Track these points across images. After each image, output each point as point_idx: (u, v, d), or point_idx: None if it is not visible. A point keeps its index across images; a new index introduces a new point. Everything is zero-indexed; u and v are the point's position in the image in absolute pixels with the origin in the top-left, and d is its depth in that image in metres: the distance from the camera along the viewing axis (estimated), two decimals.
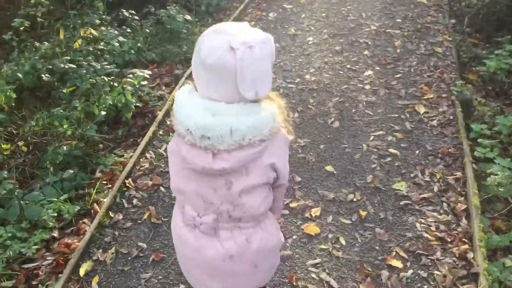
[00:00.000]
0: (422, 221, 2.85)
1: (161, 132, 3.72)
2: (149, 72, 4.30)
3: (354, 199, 3.04)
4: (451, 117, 3.81)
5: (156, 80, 4.75)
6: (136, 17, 5.57)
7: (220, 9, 6.92)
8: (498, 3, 5.94)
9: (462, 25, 6.07)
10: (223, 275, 1.56)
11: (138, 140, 3.78)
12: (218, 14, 6.84)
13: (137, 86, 4.01)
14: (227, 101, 1.35)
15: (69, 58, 4.21)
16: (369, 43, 5.11)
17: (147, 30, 5.53)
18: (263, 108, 1.38)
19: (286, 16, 5.85)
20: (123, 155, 3.55)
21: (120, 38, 4.91)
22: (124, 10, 5.49)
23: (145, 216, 2.92)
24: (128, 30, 5.50)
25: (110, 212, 2.94)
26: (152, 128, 3.65)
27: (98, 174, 3.42)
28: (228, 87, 1.33)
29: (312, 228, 2.79)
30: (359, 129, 3.76)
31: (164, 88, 4.56)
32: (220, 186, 1.43)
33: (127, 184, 3.14)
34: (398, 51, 4.95)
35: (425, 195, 3.04)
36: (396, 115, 3.89)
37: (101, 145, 3.75)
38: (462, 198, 2.99)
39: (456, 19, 6.15)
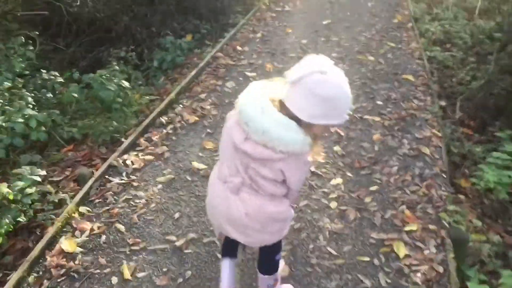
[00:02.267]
0: None
1: (31, 279, 2.61)
2: (43, 173, 3.21)
3: None
4: (441, 270, 2.80)
5: (65, 172, 3.66)
6: (60, 79, 4.51)
7: (175, 66, 5.94)
8: (496, 86, 5.06)
9: (454, 108, 5.18)
10: (238, 225, 1.91)
11: (8, 277, 2.67)
12: (172, 72, 5.86)
13: (20, 196, 2.92)
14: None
15: None
16: (342, 134, 4.13)
17: (75, 95, 4.47)
18: (300, 132, 1.64)
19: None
20: None
21: (29, 111, 3.83)
22: (44, 71, 4.44)
23: None
24: (50, 94, 4.45)
25: None
26: (19, 273, 2.55)
27: None
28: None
29: None
30: (315, 281, 2.71)
31: (71, 185, 3.47)
32: (244, 162, 1.76)
33: None
34: (376, 148, 3.98)
35: None
36: (368, 259, 2.87)
37: None
38: None
39: (447, 101, 5.25)
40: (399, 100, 4.75)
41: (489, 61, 5.86)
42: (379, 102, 4.69)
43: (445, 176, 3.70)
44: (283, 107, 1.66)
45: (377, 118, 4.40)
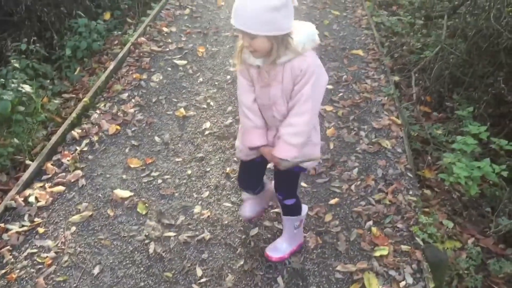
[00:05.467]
0: None
1: None
2: None
3: None
4: None
5: None
6: None
7: (93, 53, 5.09)
8: (450, 54, 4.63)
9: (408, 82, 4.73)
10: None
11: None
12: (90, 61, 5.01)
13: None
14: None
15: None
16: None
17: None
18: None
19: (176, 79, 4.14)
20: None
21: None
22: None
23: None
24: None
25: None
26: None
27: None
28: None
29: None
30: None
31: None
32: None
33: None
34: (331, 147, 3.45)
35: None
36: None
37: None
38: None
39: (400, 75, 4.78)
40: (350, 82, 4.21)
41: (440, 25, 5.44)
42: (329, 86, 4.13)
43: (411, 175, 3.24)
44: None
45: (329, 108, 3.86)
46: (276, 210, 2.81)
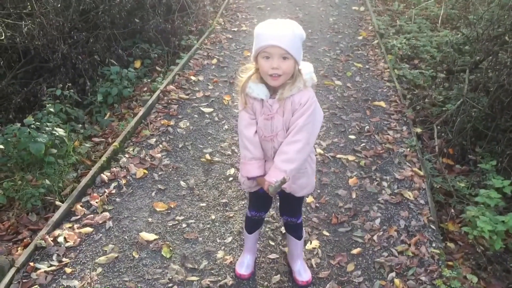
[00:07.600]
0: None
1: None
2: None
3: None
4: None
5: None
6: None
7: (123, 99, 5.29)
8: (472, 107, 4.67)
9: (430, 134, 4.77)
10: None
11: None
12: (119, 106, 5.21)
13: None
14: None
15: None
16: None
17: (1, 147, 3.77)
18: None
19: (203, 126, 4.27)
20: None
21: None
22: None
23: None
24: None
25: None
26: None
27: None
28: None
29: None
30: None
31: None
32: None
33: None
34: (353, 196, 3.48)
35: None
36: None
37: None
38: None
39: (423, 126, 4.83)
40: (373, 133, 4.28)
41: (462, 78, 5.51)
42: (351, 137, 4.20)
43: (434, 228, 3.23)
44: None
45: (352, 157, 3.91)
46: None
